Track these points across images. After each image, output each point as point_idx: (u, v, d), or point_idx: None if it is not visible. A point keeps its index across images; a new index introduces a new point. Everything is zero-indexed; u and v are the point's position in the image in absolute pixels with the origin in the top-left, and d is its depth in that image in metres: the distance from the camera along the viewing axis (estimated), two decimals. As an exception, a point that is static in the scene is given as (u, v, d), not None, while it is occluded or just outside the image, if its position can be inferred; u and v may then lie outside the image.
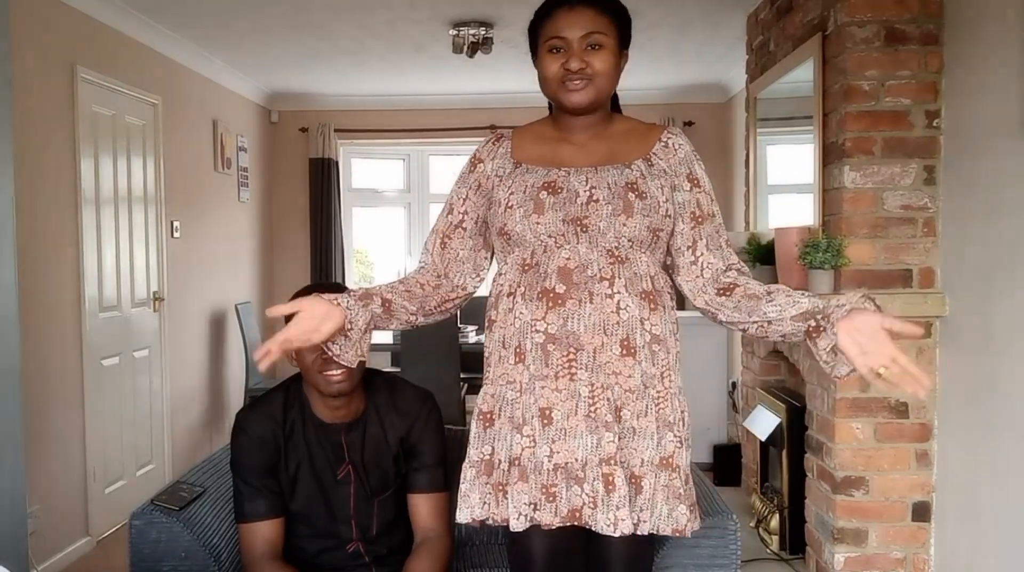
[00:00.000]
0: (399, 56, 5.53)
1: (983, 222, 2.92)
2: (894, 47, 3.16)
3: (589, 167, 1.73)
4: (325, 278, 6.84)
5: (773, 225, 4.01)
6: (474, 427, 1.75)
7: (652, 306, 1.69)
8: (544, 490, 1.67)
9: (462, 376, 5.14)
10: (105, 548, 4.14)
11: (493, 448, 1.71)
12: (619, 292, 1.66)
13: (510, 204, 1.73)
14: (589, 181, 1.70)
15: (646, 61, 5.61)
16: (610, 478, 1.64)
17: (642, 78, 6.14)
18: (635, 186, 1.69)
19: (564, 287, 1.67)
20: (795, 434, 3.70)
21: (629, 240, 1.68)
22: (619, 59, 1.75)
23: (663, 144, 1.77)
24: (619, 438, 1.66)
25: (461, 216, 1.83)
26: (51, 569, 3.75)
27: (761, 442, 4.13)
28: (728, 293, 1.72)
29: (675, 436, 1.71)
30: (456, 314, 3.53)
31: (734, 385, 5.30)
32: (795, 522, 3.74)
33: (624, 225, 1.67)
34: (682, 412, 1.74)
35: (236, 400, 6.12)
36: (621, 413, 1.68)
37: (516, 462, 1.68)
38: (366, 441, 2.09)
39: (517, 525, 1.66)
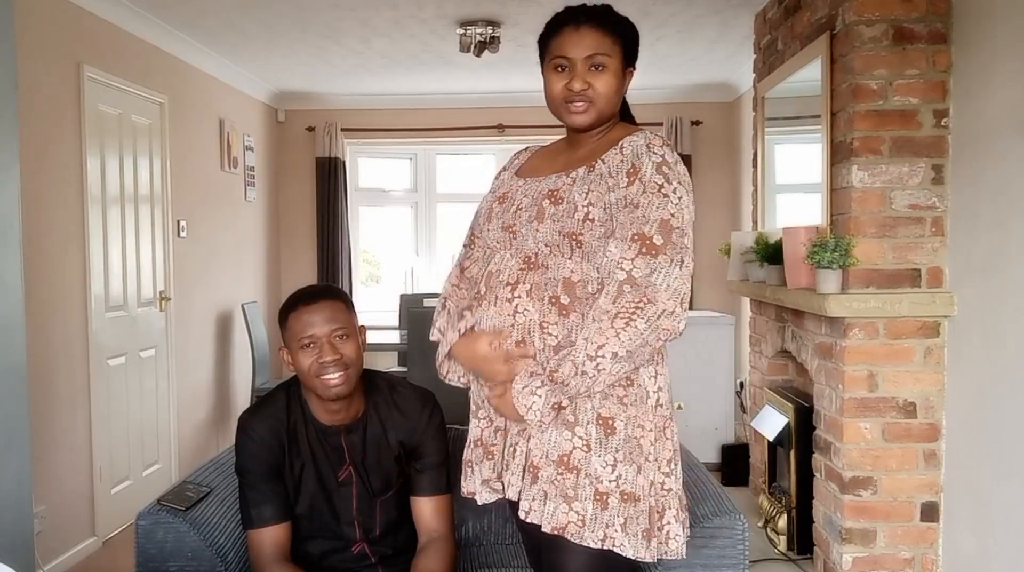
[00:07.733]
0: (406, 55, 5.52)
1: (992, 221, 2.91)
2: (902, 46, 3.15)
3: (542, 177, 1.78)
4: (331, 279, 6.85)
5: (781, 224, 4.00)
6: None
7: (561, 312, 1.68)
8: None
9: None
10: (111, 548, 4.14)
11: (471, 433, 1.88)
12: (519, 297, 1.71)
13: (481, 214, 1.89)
14: (527, 191, 1.77)
15: (654, 60, 5.60)
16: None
17: (650, 77, 6.12)
18: (555, 193, 1.71)
19: (484, 290, 1.78)
20: (803, 434, 3.69)
21: (547, 245, 1.70)
22: (622, 79, 1.79)
23: (618, 148, 1.71)
24: (525, 429, 1.71)
25: None
26: (57, 569, 3.75)
27: (769, 442, 4.12)
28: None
29: (579, 438, 1.65)
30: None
31: (742, 385, 5.28)
32: (803, 522, 3.73)
33: (537, 230, 1.71)
34: (605, 418, 1.66)
35: (243, 400, 6.13)
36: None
37: (478, 443, 1.84)
38: (367, 442, 2.08)
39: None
